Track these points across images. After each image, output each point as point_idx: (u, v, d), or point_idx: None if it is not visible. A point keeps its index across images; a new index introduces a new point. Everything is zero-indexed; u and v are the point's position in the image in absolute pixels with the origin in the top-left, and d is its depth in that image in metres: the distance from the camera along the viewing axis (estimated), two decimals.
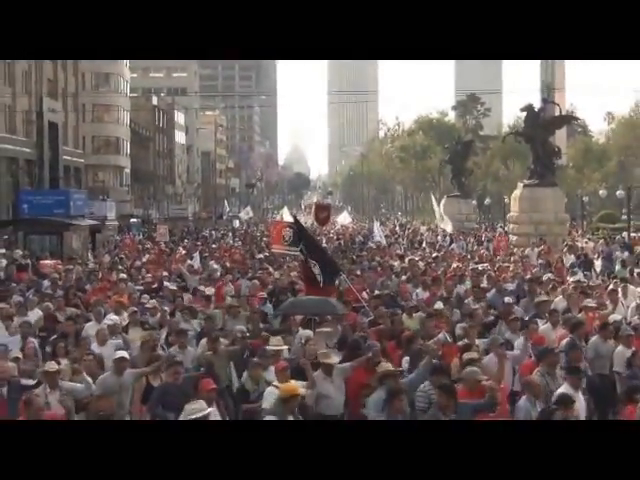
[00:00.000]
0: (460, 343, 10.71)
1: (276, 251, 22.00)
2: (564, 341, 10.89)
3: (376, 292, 16.26)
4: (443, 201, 48.69)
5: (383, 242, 33.99)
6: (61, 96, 55.61)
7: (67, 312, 13.86)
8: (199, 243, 35.64)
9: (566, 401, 7.60)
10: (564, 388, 8.30)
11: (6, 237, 31.94)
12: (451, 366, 9.53)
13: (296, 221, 18.29)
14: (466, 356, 9.28)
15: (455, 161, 52.00)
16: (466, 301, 14.77)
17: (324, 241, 33.37)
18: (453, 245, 32.62)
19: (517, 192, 34.34)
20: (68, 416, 8.49)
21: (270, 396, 8.64)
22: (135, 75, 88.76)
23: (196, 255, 26.11)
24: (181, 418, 6.81)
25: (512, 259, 24.23)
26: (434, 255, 25.90)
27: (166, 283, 17.81)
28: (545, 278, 17.67)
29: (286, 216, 37.45)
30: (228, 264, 23.11)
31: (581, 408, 8.25)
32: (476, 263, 22.47)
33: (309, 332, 11.62)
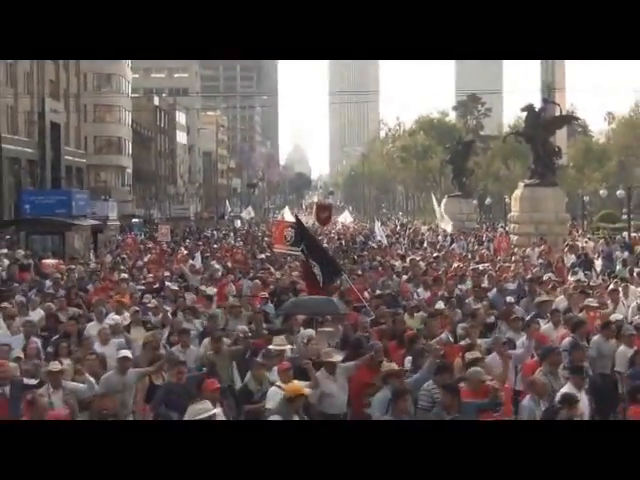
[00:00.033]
0: (462, 343, 10.74)
1: (278, 251, 22.05)
2: (565, 340, 10.89)
3: (377, 292, 16.28)
4: (444, 201, 48.69)
5: (384, 242, 34.01)
6: (63, 97, 55.70)
7: (69, 312, 13.87)
8: (200, 243, 35.66)
9: (570, 400, 7.61)
10: (567, 388, 8.30)
11: (8, 237, 31.94)
12: (454, 366, 9.55)
13: (298, 221, 18.33)
14: (469, 356, 9.29)
15: (456, 161, 51.99)
16: (467, 301, 14.79)
17: (325, 241, 33.39)
18: (454, 245, 32.65)
19: (518, 192, 34.35)
20: (72, 416, 8.48)
21: (273, 396, 8.64)
22: (137, 76, 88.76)
23: (197, 255, 26.15)
24: (186, 419, 6.81)
25: (513, 259, 24.25)
26: (435, 255, 25.93)
27: (167, 283, 17.83)
28: (546, 278, 17.71)
29: (287, 216, 37.49)
30: (229, 264, 23.15)
31: (584, 408, 8.25)
32: (477, 263, 22.50)
33: (311, 331, 11.63)
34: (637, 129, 74.83)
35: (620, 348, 10.89)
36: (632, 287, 15.91)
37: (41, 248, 29.33)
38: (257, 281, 17.50)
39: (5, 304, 13.89)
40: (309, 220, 41.61)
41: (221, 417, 7.70)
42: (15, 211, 42.17)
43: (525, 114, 35.73)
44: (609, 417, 9.92)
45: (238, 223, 66.03)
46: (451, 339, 11.30)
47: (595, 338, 11.36)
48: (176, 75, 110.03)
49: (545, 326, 11.96)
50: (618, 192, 51.20)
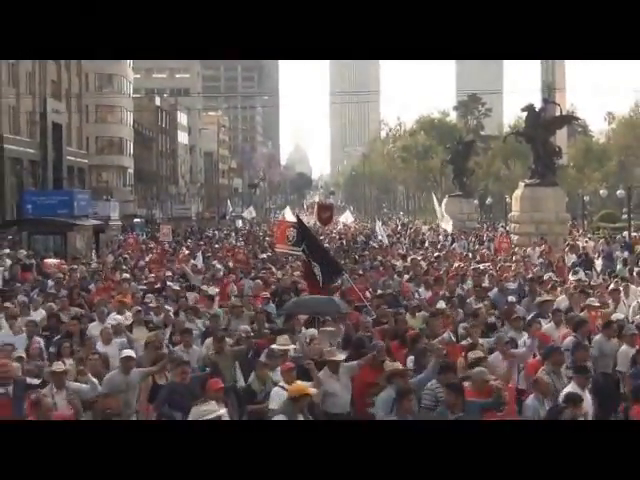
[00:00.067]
0: (465, 342, 10.74)
1: (280, 250, 22.08)
2: (568, 340, 10.88)
3: (378, 291, 16.30)
4: (445, 201, 48.72)
5: (385, 242, 34.04)
6: (65, 97, 55.77)
7: (71, 312, 13.88)
8: (202, 243, 35.70)
9: (575, 399, 7.61)
10: (571, 387, 8.31)
11: (10, 237, 32.00)
12: (456, 365, 9.57)
13: (299, 221, 18.37)
14: (471, 355, 9.30)
15: (456, 161, 52.01)
16: (468, 300, 14.83)
17: (326, 241, 33.42)
18: (455, 244, 32.69)
19: (518, 192, 34.37)
20: (76, 416, 8.47)
21: (277, 397, 8.64)
22: (138, 76, 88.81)
23: (199, 255, 26.19)
24: (192, 419, 6.81)
25: (514, 258, 24.28)
26: (436, 255, 25.96)
27: (169, 283, 17.85)
28: (546, 277, 17.74)
29: (288, 216, 37.50)
30: (231, 264, 23.18)
31: (588, 407, 8.26)
32: (478, 262, 22.53)
33: (314, 331, 11.62)
34: (637, 129, 74.82)
35: (622, 348, 10.89)
36: (633, 287, 15.93)
37: (43, 248, 29.35)
38: (258, 281, 17.49)
39: (8, 304, 13.95)
40: (310, 220, 41.65)
41: (226, 418, 7.71)
42: (17, 211, 42.22)
43: (525, 114, 35.74)
44: (611, 416, 9.94)
45: (239, 223, 66.08)
46: (453, 339, 11.30)
47: (596, 337, 11.35)
48: (177, 75, 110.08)
49: (547, 326, 11.96)
50: (618, 192, 51.24)
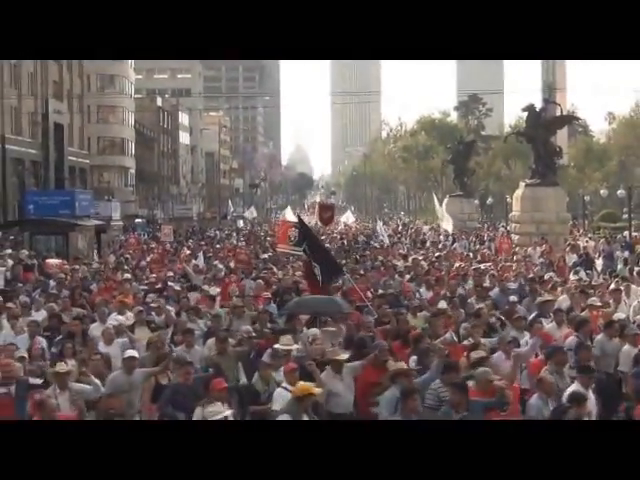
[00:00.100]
0: (467, 342, 10.73)
1: (281, 250, 22.11)
2: (570, 339, 10.87)
3: (380, 291, 16.31)
4: (446, 201, 48.75)
5: (386, 242, 34.06)
6: (66, 97, 55.86)
7: (73, 312, 13.87)
8: (203, 243, 35.74)
9: (579, 399, 7.62)
10: (575, 387, 8.31)
11: (12, 237, 32.05)
12: (459, 365, 9.57)
13: (300, 221, 18.40)
14: (474, 355, 9.30)
15: (457, 161, 52.03)
16: (469, 300, 14.84)
17: (327, 241, 33.44)
18: (455, 244, 32.71)
19: (519, 192, 34.39)
20: (81, 417, 8.45)
21: (280, 398, 8.61)
22: (140, 76, 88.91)
23: (200, 255, 26.21)
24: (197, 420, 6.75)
25: (515, 258, 24.30)
26: (437, 255, 25.97)
27: (170, 283, 17.84)
28: (547, 277, 17.75)
29: (289, 216, 37.54)
30: (232, 264, 23.19)
31: (592, 406, 8.26)
32: (479, 262, 22.54)
33: (316, 330, 11.57)
34: (637, 129, 74.79)
35: (624, 348, 10.88)
36: (634, 286, 15.92)
37: (45, 248, 29.36)
38: (260, 281, 17.46)
39: (9, 304, 13.97)
40: (311, 220, 41.68)
41: (232, 419, 7.69)
42: (19, 211, 42.30)
43: (526, 114, 35.77)
44: (613, 416, 9.95)
45: (241, 223, 66.10)
46: (455, 339, 11.31)
47: (598, 337, 11.34)
48: (179, 76, 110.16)
49: (548, 325, 11.95)
50: (619, 192, 51.27)
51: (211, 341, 11.39)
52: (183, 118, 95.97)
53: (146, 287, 17.70)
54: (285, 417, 7.48)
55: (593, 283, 16.98)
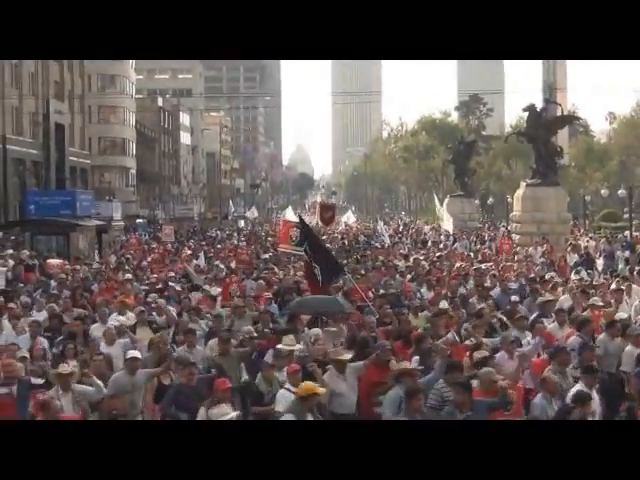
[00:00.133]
0: (469, 342, 10.71)
1: (283, 250, 22.12)
2: (572, 339, 10.86)
3: (381, 291, 16.32)
4: (446, 201, 48.75)
5: (387, 242, 34.06)
6: (67, 98, 55.90)
7: (74, 313, 13.85)
8: (204, 243, 35.75)
9: (584, 398, 7.63)
10: (579, 387, 8.31)
11: (13, 238, 32.08)
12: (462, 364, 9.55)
13: (301, 221, 18.41)
14: (477, 355, 9.30)
15: (458, 161, 51.99)
16: (471, 300, 14.84)
17: (328, 241, 33.44)
18: (456, 244, 32.71)
19: (520, 191, 34.39)
20: (85, 418, 8.41)
21: (283, 399, 8.57)
22: (141, 77, 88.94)
23: (201, 255, 26.21)
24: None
25: (516, 258, 24.30)
26: (438, 255, 25.96)
27: (171, 283, 17.84)
28: (548, 277, 17.75)
29: (289, 215, 37.55)
30: (233, 264, 23.19)
31: (596, 406, 8.25)
32: (480, 262, 22.54)
33: (318, 330, 11.56)
34: (638, 129, 74.78)
35: (627, 348, 10.86)
36: (635, 286, 15.92)
37: (46, 248, 29.37)
38: (261, 281, 17.47)
39: (11, 304, 13.97)
40: (312, 220, 41.68)
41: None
42: (20, 212, 42.33)
43: (527, 114, 35.75)
44: (615, 416, 9.94)
45: (242, 223, 66.15)
46: (457, 339, 11.31)
47: (601, 337, 11.33)
48: (180, 76, 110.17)
49: (550, 325, 11.94)
50: (619, 191, 51.27)
51: (213, 341, 11.38)
52: (184, 118, 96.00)
53: (147, 287, 17.69)
54: (289, 417, 7.46)
55: (594, 283, 16.97)
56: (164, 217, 71.61)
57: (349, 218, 61.67)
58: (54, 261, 24.01)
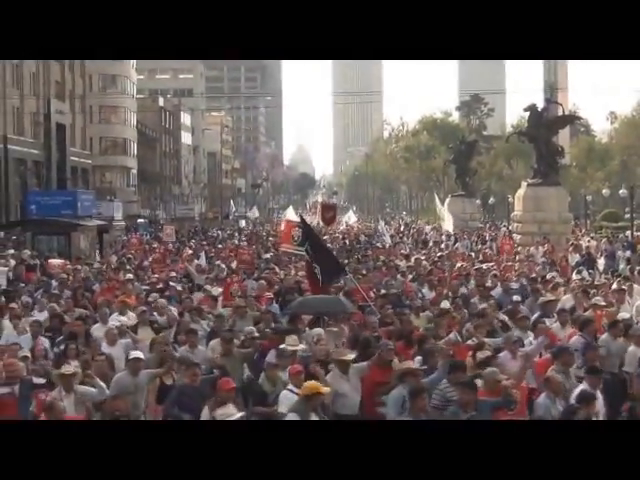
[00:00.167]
0: (471, 342, 10.69)
1: (285, 250, 22.11)
2: (575, 339, 10.84)
3: (382, 291, 16.31)
4: (447, 200, 48.77)
5: (388, 242, 34.05)
6: (68, 98, 55.94)
7: (75, 313, 13.83)
8: (205, 243, 35.76)
9: (588, 398, 7.62)
10: (583, 387, 8.30)
11: (14, 237, 32.12)
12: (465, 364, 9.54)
13: (303, 221, 18.41)
14: (480, 355, 9.29)
15: (459, 161, 52.01)
16: (472, 300, 14.83)
17: (329, 241, 33.44)
18: (457, 244, 32.71)
19: (521, 191, 34.40)
20: (89, 419, 8.36)
21: (286, 400, 8.54)
22: (142, 77, 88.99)
23: (202, 255, 26.21)
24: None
25: (517, 258, 24.29)
26: (439, 254, 25.97)
27: (172, 283, 17.84)
28: (549, 277, 17.74)
29: (290, 215, 37.55)
30: (234, 264, 23.19)
31: (600, 406, 8.25)
32: (481, 262, 22.54)
33: (320, 330, 11.49)
34: (639, 129, 74.78)
35: (630, 348, 10.85)
36: (636, 286, 15.91)
37: (47, 248, 29.42)
38: (262, 281, 17.43)
39: (12, 304, 13.98)
40: (313, 220, 41.70)
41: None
42: (21, 212, 42.37)
43: (528, 114, 35.77)
44: (618, 416, 9.94)
45: (243, 223, 66.21)
46: (459, 339, 11.30)
47: (603, 337, 11.32)
48: (181, 76, 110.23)
49: (552, 326, 11.91)
50: (621, 191, 51.28)
51: (215, 342, 11.33)
52: (185, 118, 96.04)
53: (148, 287, 17.67)
54: (293, 416, 7.44)
55: (595, 283, 16.97)
56: (165, 217, 71.68)
57: (350, 218, 61.65)
58: (55, 261, 24.03)
